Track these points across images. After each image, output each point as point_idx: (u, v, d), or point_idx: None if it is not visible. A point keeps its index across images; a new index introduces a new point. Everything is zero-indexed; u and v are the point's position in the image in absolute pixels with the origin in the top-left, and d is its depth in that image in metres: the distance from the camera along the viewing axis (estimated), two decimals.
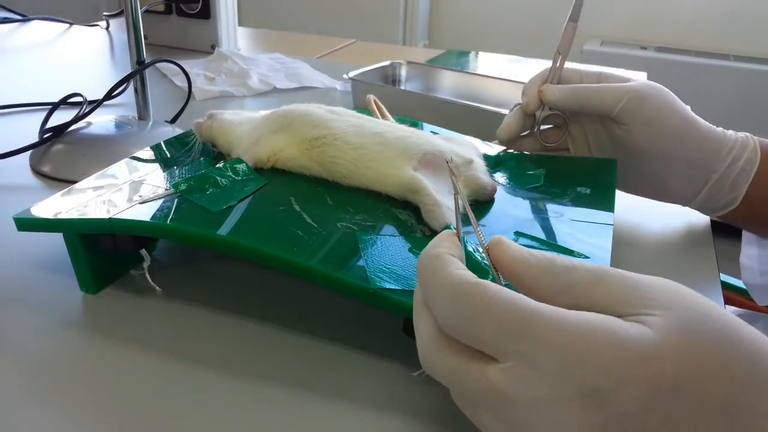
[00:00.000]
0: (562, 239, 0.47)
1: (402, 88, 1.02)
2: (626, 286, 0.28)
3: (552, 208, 0.52)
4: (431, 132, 0.63)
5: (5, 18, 1.41)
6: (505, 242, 0.31)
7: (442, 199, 0.47)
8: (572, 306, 0.28)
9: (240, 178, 0.52)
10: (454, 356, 0.29)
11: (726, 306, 0.55)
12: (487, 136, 0.68)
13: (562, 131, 0.64)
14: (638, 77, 1.19)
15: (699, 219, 0.67)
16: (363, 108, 0.71)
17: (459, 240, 0.33)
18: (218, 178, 0.51)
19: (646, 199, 0.65)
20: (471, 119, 0.83)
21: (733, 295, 1.14)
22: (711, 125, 0.60)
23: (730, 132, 0.61)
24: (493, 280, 0.31)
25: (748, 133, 0.61)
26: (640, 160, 0.59)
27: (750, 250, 0.71)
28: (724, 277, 1.36)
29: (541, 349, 0.26)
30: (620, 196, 0.60)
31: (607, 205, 0.52)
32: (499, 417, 0.27)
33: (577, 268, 0.29)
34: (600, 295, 0.28)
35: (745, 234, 0.70)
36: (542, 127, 0.64)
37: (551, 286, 0.29)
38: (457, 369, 0.28)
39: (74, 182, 0.53)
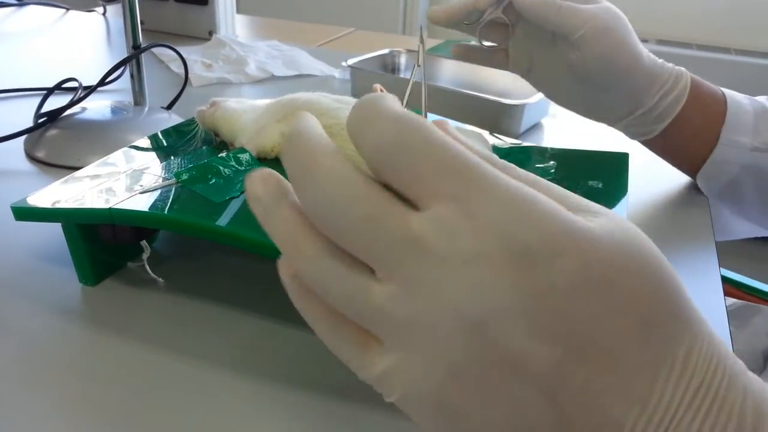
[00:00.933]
0: None
1: (401, 76, 1.00)
2: (567, 194, 0.26)
3: None
4: None
5: (1, 2, 1.39)
6: (449, 124, 0.28)
7: None
8: None
9: (243, 167, 0.51)
10: (373, 199, 0.24)
11: (726, 298, 0.55)
12: (486, 126, 0.67)
13: (503, 35, 0.66)
14: None
15: (700, 213, 0.67)
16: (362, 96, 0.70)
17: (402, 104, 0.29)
18: (221, 167, 0.50)
19: (646, 194, 0.66)
20: (471, 108, 0.82)
21: (732, 289, 1.14)
22: (653, 57, 0.63)
23: (669, 65, 0.64)
24: None
25: (684, 69, 0.65)
26: (581, 84, 0.62)
27: None
28: (724, 272, 1.37)
29: (480, 194, 0.23)
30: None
31: (620, 199, 0.51)
32: (407, 275, 0.23)
33: (518, 171, 0.27)
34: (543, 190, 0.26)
35: None
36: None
37: None
38: (374, 214, 0.24)
39: (69, 168, 0.52)
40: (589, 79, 0.61)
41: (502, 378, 0.23)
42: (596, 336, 0.23)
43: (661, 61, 0.64)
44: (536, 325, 0.22)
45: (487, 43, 0.67)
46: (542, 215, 0.23)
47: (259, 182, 0.27)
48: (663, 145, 0.68)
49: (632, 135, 0.67)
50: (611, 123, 0.66)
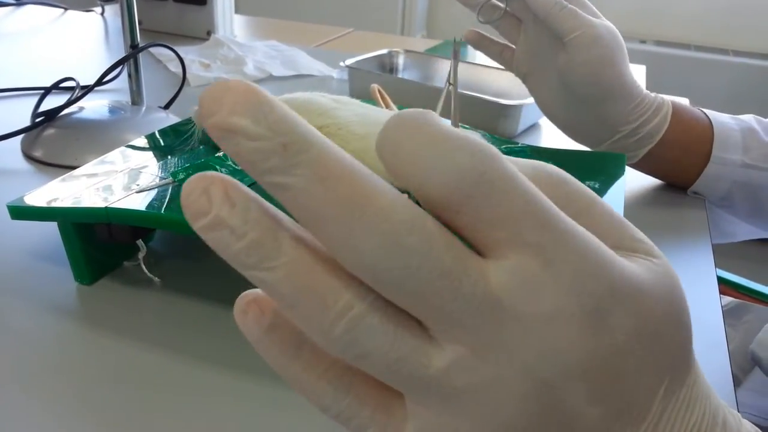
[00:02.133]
0: None
1: (399, 76, 1.00)
2: (615, 220, 0.24)
3: None
4: None
5: None
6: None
7: None
8: None
9: (240, 167, 0.51)
10: (449, 249, 0.19)
11: (721, 296, 0.55)
12: (484, 126, 0.67)
13: (514, 34, 0.69)
14: (637, 70, 1.19)
15: (696, 213, 0.67)
16: (360, 97, 0.70)
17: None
18: (218, 167, 0.50)
19: (643, 194, 0.68)
20: (468, 108, 0.81)
21: (728, 289, 1.15)
22: (639, 85, 0.65)
23: (653, 95, 0.66)
24: None
25: (666, 98, 0.67)
26: (566, 93, 0.64)
27: None
28: (718, 272, 1.37)
29: (560, 244, 0.20)
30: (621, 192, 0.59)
31: (616, 199, 0.51)
32: (480, 337, 0.20)
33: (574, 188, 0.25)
34: (594, 221, 0.24)
35: None
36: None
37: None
38: (452, 269, 0.19)
39: (66, 167, 0.52)
40: (572, 88, 0.63)
41: None
42: (636, 392, 0.22)
43: (646, 91, 0.65)
44: (595, 387, 0.21)
45: (482, 20, 0.69)
46: (609, 267, 0.21)
47: (218, 196, 0.19)
48: (650, 168, 0.70)
49: None
50: (595, 146, 0.68)
